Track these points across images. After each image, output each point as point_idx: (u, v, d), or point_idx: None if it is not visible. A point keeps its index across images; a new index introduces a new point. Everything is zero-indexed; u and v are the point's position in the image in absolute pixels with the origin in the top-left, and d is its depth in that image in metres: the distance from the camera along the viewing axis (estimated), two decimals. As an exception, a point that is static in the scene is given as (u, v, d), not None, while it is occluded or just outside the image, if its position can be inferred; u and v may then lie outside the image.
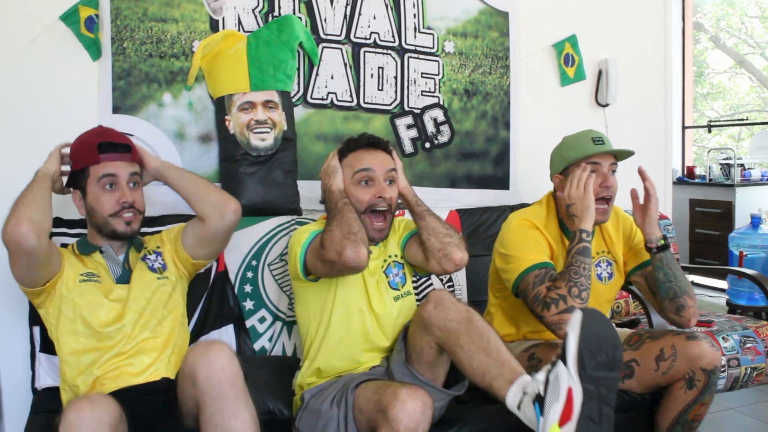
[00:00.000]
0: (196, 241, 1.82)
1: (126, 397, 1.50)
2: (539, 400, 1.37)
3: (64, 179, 1.75)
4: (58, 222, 1.96)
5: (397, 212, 2.38)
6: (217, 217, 1.77)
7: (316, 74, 2.47)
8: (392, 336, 1.81)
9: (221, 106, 2.28)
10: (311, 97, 2.48)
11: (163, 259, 1.80)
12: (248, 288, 2.21)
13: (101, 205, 1.66)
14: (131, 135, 2.21)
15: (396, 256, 1.89)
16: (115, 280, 1.70)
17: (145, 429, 1.51)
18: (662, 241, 1.90)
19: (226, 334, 2.16)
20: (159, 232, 1.93)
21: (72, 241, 1.85)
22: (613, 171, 1.91)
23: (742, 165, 4.95)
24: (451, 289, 2.43)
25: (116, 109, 2.23)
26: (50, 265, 1.62)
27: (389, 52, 2.59)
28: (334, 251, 1.58)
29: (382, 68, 2.58)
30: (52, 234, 1.75)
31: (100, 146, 1.66)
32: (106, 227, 1.68)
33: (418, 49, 2.63)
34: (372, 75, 2.56)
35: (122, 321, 1.66)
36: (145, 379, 1.64)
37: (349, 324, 1.78)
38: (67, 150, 1.75)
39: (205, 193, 1.81)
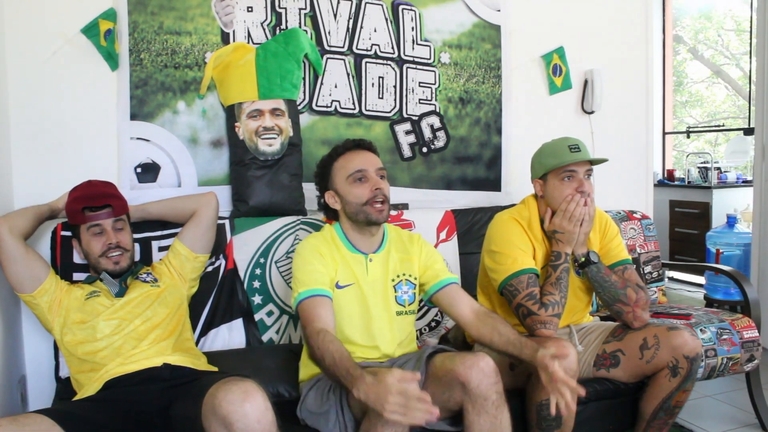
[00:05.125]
0: (194, 235, 2.04)
1: (127, 381, 1.68)
2: None
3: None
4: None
5: (396, 212, 2.49)
6: (204, 204, 2.06)
7: (321, 83, 2.54)
8: (385, 347, 1.81)
9: (231, 113, 2.34)
10: (316, 105, 2.55)
11: (154, 276, 1.95)
12: (257, 284, 2.26)
13: (92, 248, 1.85)
14: (147, 140, 2.32)
15: (410, 276, 1.87)
16: (114, 295, 1.85)
17: (144, 413, 1.61)
18: (582, 259, 1.95)
19: (236, 326, 2.23)
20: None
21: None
22: (589, 175, 1.94)
23: (718, 168, 4.98)
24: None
25: (134, 116, 2.30)
26: (30, 267, 1.81)
27: (389, 62, 2.65)
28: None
29: (383, 78, 2.65)
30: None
31: (84, 209, 1.84)
32: (98, 267, 1.85)
33: (416, 60, 2.70)
34: (373, 84, 2.63)
35: (120, 321, 1.80)
36: (143, 365, 1.73)
37: (350, 329, 1.80)
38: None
39: (183, 201, 2.10)
